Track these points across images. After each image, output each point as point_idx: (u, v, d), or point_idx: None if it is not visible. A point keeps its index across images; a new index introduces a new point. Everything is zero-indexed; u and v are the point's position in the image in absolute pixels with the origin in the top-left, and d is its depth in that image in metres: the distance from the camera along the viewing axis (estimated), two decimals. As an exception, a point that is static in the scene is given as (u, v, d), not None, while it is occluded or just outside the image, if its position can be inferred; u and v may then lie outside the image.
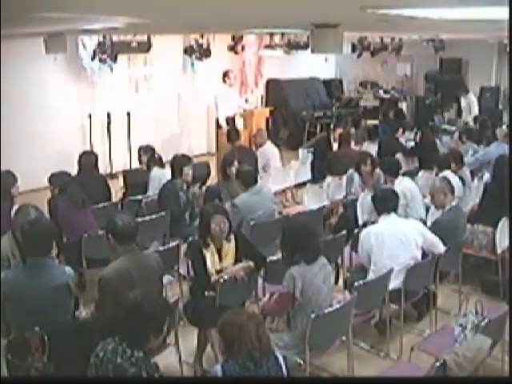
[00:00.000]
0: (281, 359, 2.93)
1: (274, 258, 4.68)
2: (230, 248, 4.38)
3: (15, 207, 4.81)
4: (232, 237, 4.41)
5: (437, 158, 7.08)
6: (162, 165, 6.91)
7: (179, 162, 6.16)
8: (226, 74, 10.14)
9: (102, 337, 2.98)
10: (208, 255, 4.31)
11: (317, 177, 8.05)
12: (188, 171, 6.12)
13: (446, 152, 7.92)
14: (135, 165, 8.50)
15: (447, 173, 6.46)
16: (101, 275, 3.77)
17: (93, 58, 8.93)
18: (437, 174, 6.72)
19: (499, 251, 5.52)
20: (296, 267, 3.86)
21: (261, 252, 4.54)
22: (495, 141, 8.48)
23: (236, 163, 6.62)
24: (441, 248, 4.83)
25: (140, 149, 7.19)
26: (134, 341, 2.82)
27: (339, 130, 8.51)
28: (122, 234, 3.82)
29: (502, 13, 2.94)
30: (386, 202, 4.92)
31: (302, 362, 3.84)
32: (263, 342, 2.85)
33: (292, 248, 3.94)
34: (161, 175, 6.70)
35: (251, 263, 4.36)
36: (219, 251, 4.35)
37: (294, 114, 12.49)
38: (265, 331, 2.93)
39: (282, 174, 8.25)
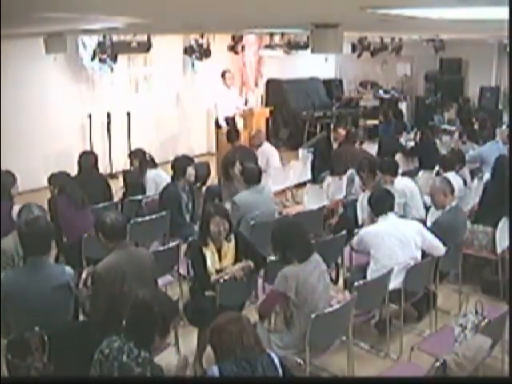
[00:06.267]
0: (276, 359, 2.95)
1: (274, 257, 4.68)
2: (229, 248, 4.38)
3: (15, 207, 4.81)
4: (232, 236, 4.42)
5: (441, 159, 7.06)
6: (154, 165, 6.91)
7: (181, 163, 6.16)
8: (222, 75, 10.16)
9: (101, 334, 2.98)
10: (208, 254, 4.32)
11: (317, 177, 8.06)
12: (191, 171, 6.12)
13: (446, 152, 7.92)
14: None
15: (450, 174, 6.47)
16: (94, 270, 3.83)
17: (93, 58, 8.93)
18: (439, 174, 6.72)
19: (499, 251, 5.52)
20: (289, 267, 3.85)
21: (261, 252, 4.55)
22: (492, 140, 8.49)
23: (238, 163, 6.62)
24: (440, 250, 4.81)
25: (130, 153, 7.20)
26: (140, 340, 2.83)
27: (340, 130, 8.51)
28: (111, 231, 3.87)
29: (501, 13, 2.94)
30: (382, 203, 4.92)
31: (302, 362, 3.84)
32: (246, 343, 2.85)
33: (282, 248, 3.95)
34: (155, 176, 6.71)
35: (251, 263, 4.36)
36: (219, 251, 4.36)
37: (294, 113, 12.48)
38: (251, 332, 2.93)
39: (282, 174, 8.25)
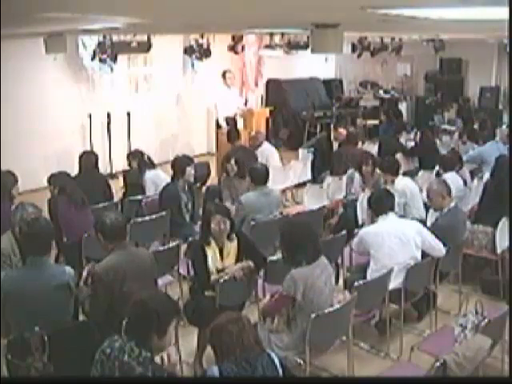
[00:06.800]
0: (276, 359, 2.94)
1: (274, 258, 4.68)
2: (232, 247, 4.38)
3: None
4: (234, 236, 4.42)
5: (441, 159, 7.07)
6: (153, 166, 6.89)
7: (181, 163, 6.15)
8: (223, 75, 10.17)
9: (101, 334, 2.98)
10: (210, 253, 4.32)
11: (317, 177, 8.06)
12: (190, 171, 6.12)
13: (446, 152, 7.93)
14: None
15: (451, 174, 6.47)
16: (93, 271, 3.82)
17: (93, 58, 8.92)
18: (439, 174, 6.73)
19: (499, 251, 5.52)
20: (297, 270, 3.85)
21: (262, 252, 4.54)
22: (492, 140, 8.50)
23: (232, 161, 6.62)
24: (440, 251, 4.81)
25: (128, 155, 7.15)
26: (137, 338, 2.83)
27: (340, 130, 8.51)
28: (111, 232, 3.85)
29: (501, 13, 2.94)
30: (382, 203, 4.92)
31: (301, 362, 3.84)
32: (246, 343, 2.84)
33: (292, 249, 3.94)
34: (154, 176, 6.70)
35: (251, 263, 4.36)
36: (221, 250, 4.36)
37: (294, 113, 12.48)
38: (251, 333, 2.92)
39: (282, 174, 8.25)
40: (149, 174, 6.71)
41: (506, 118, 11.82)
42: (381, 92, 13.96)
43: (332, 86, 13.82)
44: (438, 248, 4.81)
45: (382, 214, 4.85)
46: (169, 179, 6.35)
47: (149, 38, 9.06)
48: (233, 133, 8.42)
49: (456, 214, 5.32)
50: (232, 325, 2.88)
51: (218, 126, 9.99)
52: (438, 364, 3.15)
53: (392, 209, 4.93)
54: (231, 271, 4.27)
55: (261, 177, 5.89)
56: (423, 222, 5.32)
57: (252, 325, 3.09)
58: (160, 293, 3.47)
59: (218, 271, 4.30)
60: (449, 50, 12.07)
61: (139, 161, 6.83)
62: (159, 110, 10.90)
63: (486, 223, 5.71)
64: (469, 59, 13.25)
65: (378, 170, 6.30)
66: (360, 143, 8.53)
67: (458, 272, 5.30)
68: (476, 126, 9.67)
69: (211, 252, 4.33)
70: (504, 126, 9.85)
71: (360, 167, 6.45)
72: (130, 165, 7.05)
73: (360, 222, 5.83)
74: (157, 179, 6.66)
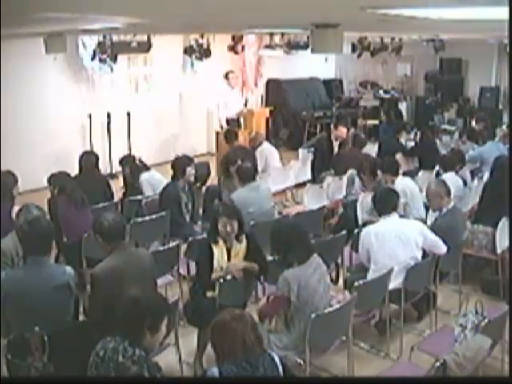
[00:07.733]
0: (277, 359, 2.93)
1: (273, 258, 4.68)
2: (241, 249, 4.37)
3: (16, 207, 4.82)
4: (244, 238, 4.41)
5: (441, 159, 7.07)
6: (146, 168, 6.86)
7: (181, 163, 6.16)
8: (226, 76, 10.18)
9: (100, 334, 2.98)
10: (217, 253, 4.31)
11: (317, 177, 8.06)
12: (191, 171, 6.13)
13: (446, 152, 7.93)
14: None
15: (450, 174, 6.46)
16: (92, 272, 3.81)
17: (93, 58, 8.93)
18: (439, 175, 6.72)
19: (499, 251, 5.52)
20: (290, 270, 3.85)
21: (266, 256, 4.53)
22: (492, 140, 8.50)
23: (239, 161, 6.64)
24: (442, 248, 4.82)
25: (120, 161, 7.08)
26: (130, 336, 2.83)
27: (341, 128, 8.50)
28: (109, 233, 3.84)
29: (502, 13, 2.94)
30: (386, 202, 4.93)
31: (301, 362, 3.84)
32: (248, 342, 2.82)
33: (282, 250, 3.95)
34: (149, 177, 6.69)
35: (254, 265, 4.35)
36: (229, 250, 4.35)
37: (294, 113, 12.49)
38: (253, 332, 2.89)
39: (282, 174, 8.26)
40: (144, 176, 6.69)
41: (506, 118, 11.82)
42: (381, 92, 13.95)
43: (332, 86, 13.82)
44: (440, 245, 4.81)
45: (385, 214, 4.84)
46: (164, 179, 6.34)
47: (149, 38, 9.06)
48: (231, 134, 8.42)
49: (455, 214, 5.32)
50: (236, 322, 2.86)
51: (220, 127, 9.99)
52: (438, 364, 3.15)
53: (395, 209, 4.92)
54: (230, 270, 4.27)
55: (248, 174, 6.07)
56: (423, 222, 5.31)
57: (254, 323, 3.08)
58: (151, 290, 3.46)
59: (222, 270, 4.29)
60: (449, 50, 12.07)
61: (131, 166, 6.80)
62: (159, 110, 10.90)
63: (486, 223, 5.71)
64: (469, 59, 13.25)
65: (379, 173, 6.22)
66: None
67: (458, 272, 5.30)
68: (476, 126, 9.67)
69: (219, 251, 4.32)
70: (504, 126, 9.85)
71: (359, 173, 6.42)
72: (123, 170, 6.99)
73: (360, 222, 5.83)
74: (151, 179, 6.65)
